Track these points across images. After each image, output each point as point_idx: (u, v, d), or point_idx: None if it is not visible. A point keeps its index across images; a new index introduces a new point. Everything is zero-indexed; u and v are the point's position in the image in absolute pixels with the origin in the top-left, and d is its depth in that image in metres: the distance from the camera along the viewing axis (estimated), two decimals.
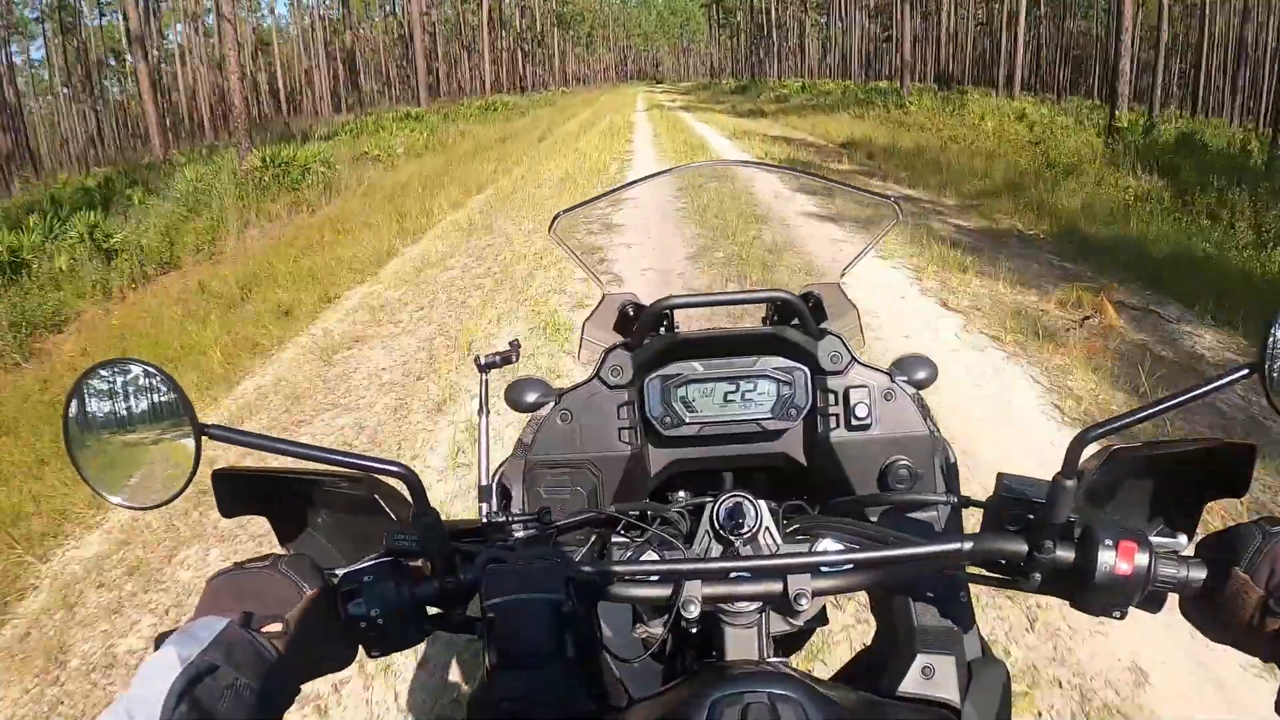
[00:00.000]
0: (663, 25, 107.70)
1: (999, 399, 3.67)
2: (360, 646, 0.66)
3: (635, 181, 1.15)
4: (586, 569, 0.65)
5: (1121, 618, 0.62)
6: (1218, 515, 2.32)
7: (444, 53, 62.18)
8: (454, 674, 2.15)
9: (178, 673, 0.51)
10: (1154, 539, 0.62)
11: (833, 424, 0.88)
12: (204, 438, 0.57)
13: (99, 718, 0.49)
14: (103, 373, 0.60)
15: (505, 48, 59.49)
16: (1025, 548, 0.63)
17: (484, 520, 0.80)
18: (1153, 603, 0.63)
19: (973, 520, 0.76)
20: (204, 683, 0.52)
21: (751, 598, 0.67)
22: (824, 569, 0.66)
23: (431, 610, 0.68)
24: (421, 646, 2.18)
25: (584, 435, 0.89)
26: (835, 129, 16.90)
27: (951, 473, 0.88)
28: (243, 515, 0.76)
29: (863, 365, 0.90)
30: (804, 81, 40.49)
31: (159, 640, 0.55)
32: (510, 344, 0.98)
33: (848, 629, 2.18)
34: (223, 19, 12.32)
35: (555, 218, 1.01)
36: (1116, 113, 12.74)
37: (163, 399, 0.60)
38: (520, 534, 0.77)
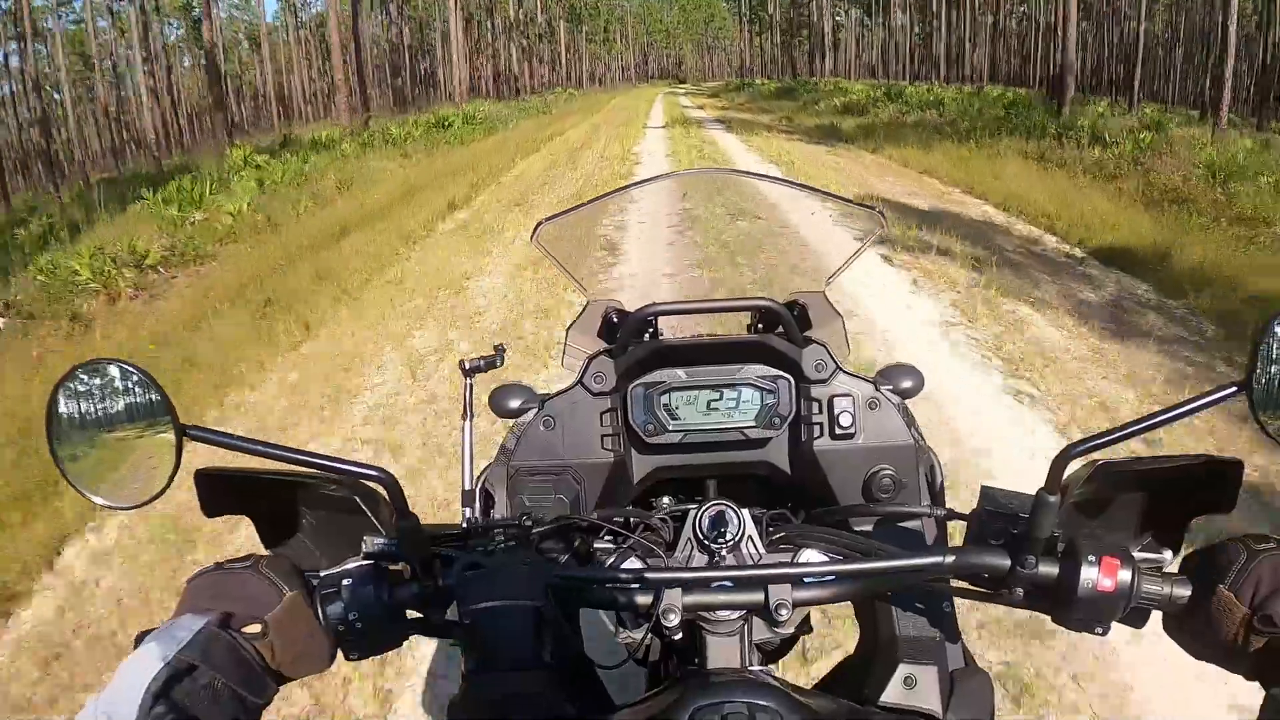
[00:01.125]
0: (686, 20, 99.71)
1: None
2: (339, 649, 0.66)
3: (625, 187, 1.19)
4: (566, 575, 0.67)
5: (1104, 633, 0.62)
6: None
7: (449, 49, 54.71)
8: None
9: (155, 672, 0.51)
10: (1138, 555, 0.63)
11: (816, 433, 0.88)
12: (185, 438, 0.58)
13: (75, 718, 0.48)
14: (83, 374, 0.60)
15: (499, 44, 51.71)
16: (1007, 562, 0.63)
17: (465, 525, 0.80)
18: (1136, 619, 0.63)
19: (957, 530, 0.75)
20: (182, 683, 0.52)
21: (733, 607, 0.68)
22: (806, 579, 0.66)
23: (411, 614, 0.68)
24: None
25: (567, 442, 0.89)
26: (1028, 192, 8.40)
27: (936, 483, 0.87)
28: (225, 515, 0.74)
29: (847, 374, 0.89)
30: (885, 84, 30.80)
31: (138, 639, 0.56)
32: (495, 348, 1.04)
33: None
34: None
35: (538, 225, 1.02)
36: None
37: (145, 399, 0.60)
38: (501, 539, 0.75)
